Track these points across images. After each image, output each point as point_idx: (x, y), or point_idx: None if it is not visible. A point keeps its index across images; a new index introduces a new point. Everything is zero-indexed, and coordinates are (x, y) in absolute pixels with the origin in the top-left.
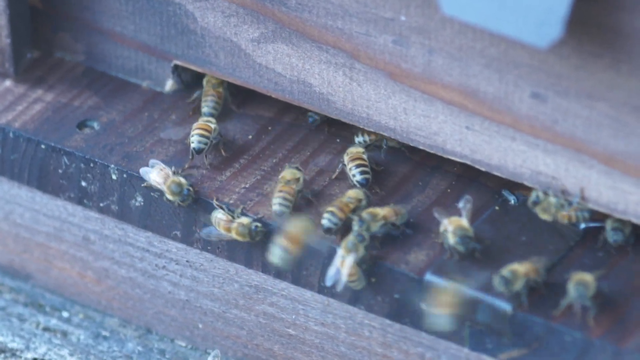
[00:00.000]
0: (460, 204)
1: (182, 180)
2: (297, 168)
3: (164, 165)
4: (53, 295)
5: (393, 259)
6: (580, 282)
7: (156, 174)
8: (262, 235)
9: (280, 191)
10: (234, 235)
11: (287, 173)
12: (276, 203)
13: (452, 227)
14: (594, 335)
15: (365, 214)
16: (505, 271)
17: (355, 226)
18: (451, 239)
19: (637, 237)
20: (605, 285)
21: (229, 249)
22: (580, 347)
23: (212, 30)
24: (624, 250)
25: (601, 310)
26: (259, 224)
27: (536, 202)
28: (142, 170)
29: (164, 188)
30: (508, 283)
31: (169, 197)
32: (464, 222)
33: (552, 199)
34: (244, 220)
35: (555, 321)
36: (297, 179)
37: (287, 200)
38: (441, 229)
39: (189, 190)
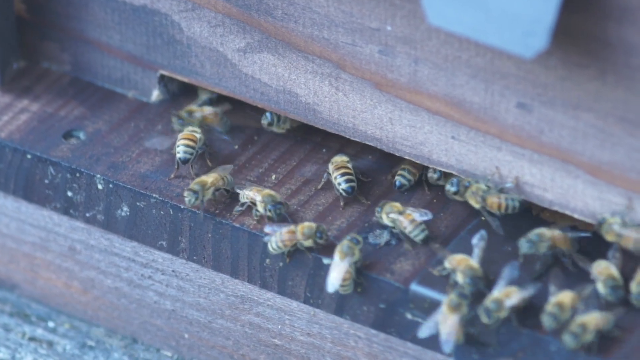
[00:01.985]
0: (474, 241)
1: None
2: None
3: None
4: (39, 305)
5: (378, 268)
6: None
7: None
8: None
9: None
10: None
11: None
12: None
13: (462, 266)
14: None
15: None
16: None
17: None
18: (460, 279)
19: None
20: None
21: (214, 259)
22: (566, 357)
23: (198, 41)
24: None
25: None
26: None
27: (466, 187)
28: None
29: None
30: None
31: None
32: (473, 262)
33: (482, 185)
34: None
35: (541, 331)
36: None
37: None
38: (447, 264)
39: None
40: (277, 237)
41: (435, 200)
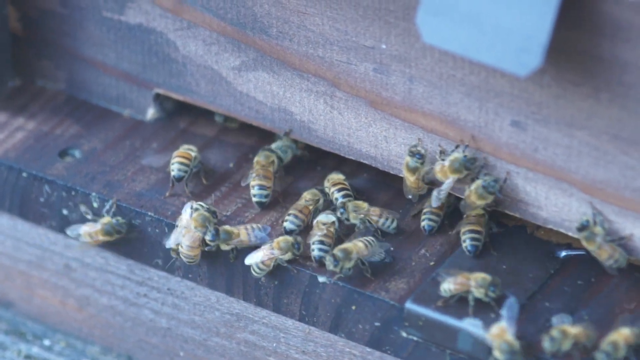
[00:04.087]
0: (504, 311)
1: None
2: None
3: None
4: (34, 323)
5: (373, 286)
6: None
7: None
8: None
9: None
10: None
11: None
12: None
13: (497, 341)
14: None
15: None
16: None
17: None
18: (498, 354)
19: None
20: (585, 314)
21: (209, 277)
22: None
23: (194, 59)
24: (604, 279)
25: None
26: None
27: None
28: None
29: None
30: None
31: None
32: (510, 336)
33: (458, 154)
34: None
35: (536, 349)
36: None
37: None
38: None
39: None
40: (255, 260)
41: None
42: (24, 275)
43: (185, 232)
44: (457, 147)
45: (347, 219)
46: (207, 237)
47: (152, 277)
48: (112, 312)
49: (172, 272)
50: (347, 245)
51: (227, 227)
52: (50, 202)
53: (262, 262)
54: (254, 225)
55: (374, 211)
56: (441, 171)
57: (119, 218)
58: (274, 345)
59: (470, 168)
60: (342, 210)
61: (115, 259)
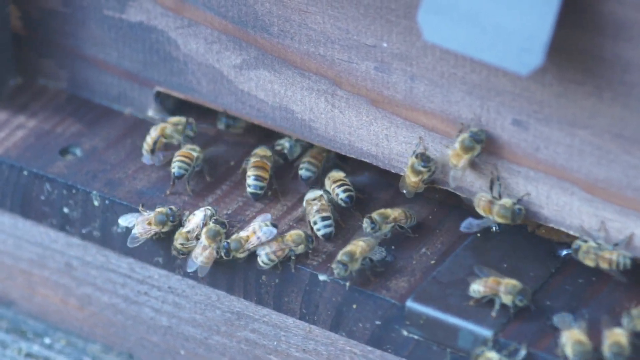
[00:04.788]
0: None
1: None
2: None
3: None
4: (35, 321)
5: (374, 285)
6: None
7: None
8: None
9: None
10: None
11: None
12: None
13: (571, 342)
14: None
15: (376, 215)
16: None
17: (367, 228)
18: (570, 353)
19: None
20: (586, 312)
21: (210, 276)
22: None
23: (195, 57)
24: (604, 278)
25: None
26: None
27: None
28: None
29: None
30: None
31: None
32: (584, 337)
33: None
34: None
35: (537, 348)
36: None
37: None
38: (562, 339)
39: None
40: (266, 250)
41: (431, 217)
42: (25, 274)
43: (202, 251)
44: (460, 131)
45: (379, 229)
46: (222, 254)
47: (152, 276)
48: (113, 310)
49: (173, 271)
50: (349, 247)
51: (234, 236)
52: (51, 201)
53: (274, 253)
54: (260, 224)
55: (400, 214)
56: (455, 156)
57: (173, 207)
58: (275, 343)
59: (482, 140)
60: (372, 225)
61: (116, 257)
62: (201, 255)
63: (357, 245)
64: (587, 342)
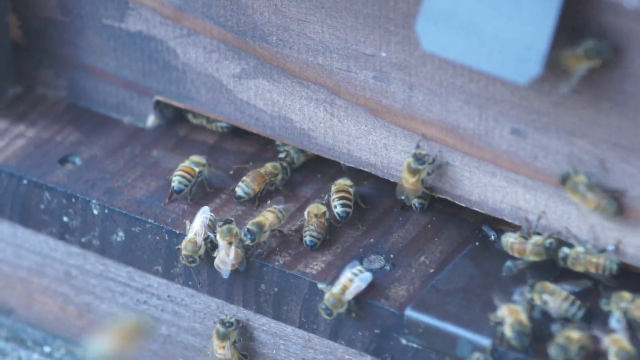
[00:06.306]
0: (515, 297)
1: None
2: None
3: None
4: (35, 330)
5: (373, 293)
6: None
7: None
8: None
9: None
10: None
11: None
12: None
13: (511, 319)
14: None
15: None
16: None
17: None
18: (508, 332)
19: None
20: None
21: (210, 284)
22: None
23: (194, 66)
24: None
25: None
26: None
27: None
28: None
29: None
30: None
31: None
32: (523, 316)
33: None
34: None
35: (535, 357)
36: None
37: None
38: (499, 313)
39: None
40: (244, 182)
41: (429, 226)
42: (24, 282)
43: (226, 252)
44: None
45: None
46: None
47: (152, 284)
48: (113, 319)
49: (172, 279)
50: (258, 218)
51: (253, 221)
52: (51, 209)
53: (253, 181)
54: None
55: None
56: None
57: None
58: (274, 352)
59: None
60: (251, 237)
61: (115, 266)
62: (228, 257)
63: (266, 217)
64: (526, 322)
